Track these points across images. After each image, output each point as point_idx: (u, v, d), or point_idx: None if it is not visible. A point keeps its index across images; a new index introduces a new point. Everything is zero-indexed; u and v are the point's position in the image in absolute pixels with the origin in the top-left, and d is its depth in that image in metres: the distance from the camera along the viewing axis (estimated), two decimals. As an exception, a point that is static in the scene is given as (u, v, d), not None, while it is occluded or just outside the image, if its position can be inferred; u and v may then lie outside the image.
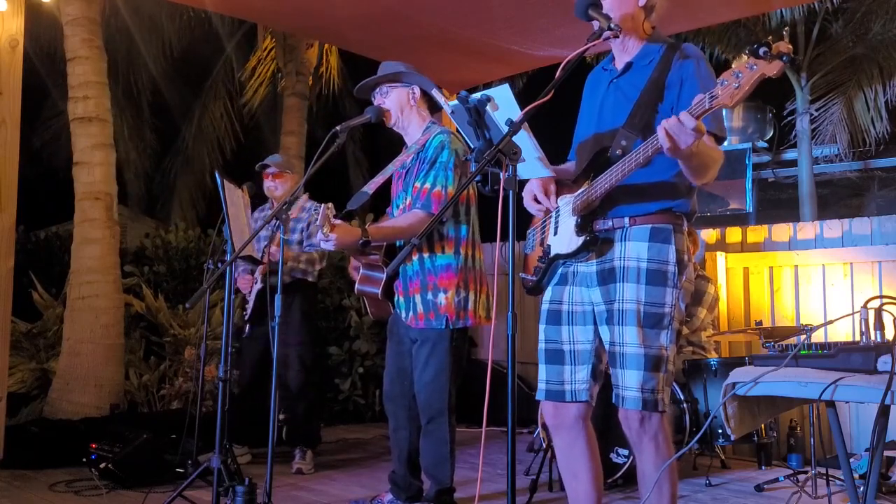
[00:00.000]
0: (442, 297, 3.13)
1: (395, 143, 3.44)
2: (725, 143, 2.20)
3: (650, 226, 2.21)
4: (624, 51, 2.31)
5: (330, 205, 2.89)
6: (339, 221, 2.94)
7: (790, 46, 1.72)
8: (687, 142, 1.90)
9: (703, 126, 1.89)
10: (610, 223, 2.25)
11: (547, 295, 2.39)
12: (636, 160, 2.07)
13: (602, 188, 2.18)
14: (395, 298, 3.27)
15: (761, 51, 1.72)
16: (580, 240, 2.25)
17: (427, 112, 3.35)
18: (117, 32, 8.79)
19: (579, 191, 2.27)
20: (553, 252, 2.34)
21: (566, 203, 2.32)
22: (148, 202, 11.43)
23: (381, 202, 3.53)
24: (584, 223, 2.25)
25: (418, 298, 3.17)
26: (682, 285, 2.22)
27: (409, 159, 3.26)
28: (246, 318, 4.38)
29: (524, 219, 2.44)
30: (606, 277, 2.24)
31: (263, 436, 2.94)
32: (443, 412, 3.14)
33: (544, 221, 2.44)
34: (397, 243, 3.24)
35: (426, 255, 3.18)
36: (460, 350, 3.21)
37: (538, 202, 2.34)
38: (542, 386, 2.34)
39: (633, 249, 2.21)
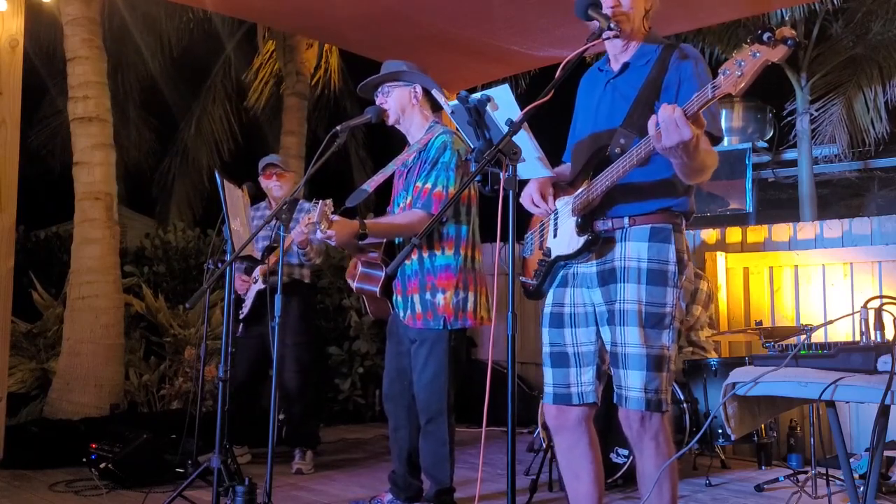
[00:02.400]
0: (440, 298, 3.13)
1: (398, 143, 3.44)
2: (725, 143, 2.19)
3: (650, 226, 2.21)
4: (622, 51, 2.30)
5: (329, 201, 2.89)
6: (336, 217, 2.94)
7: (794, 32, 1.71)
8: (673, 139, 1.87)
9: (701, 120, 1.88)
10: (610, 223, 2.25)
11: (549, 298, 2.38)
12: (636, 156, 2.06)
13: (601, 187, 2.18)
14: (394, 297, 3.26)
15: (765, 36, 1.70)
16: (581, 240, 2.24)
17: (429, 111, 3.34)
18: (115, 32, 8.76)
19: (578, 191, 2.27)
20: (554, 254, 2.34)
21: (565, 204, 2.32)
22: (145, 202, 11.40)
23: (385, 202, 3.53)
24: (585, 223, 2.25)
25: (416, 298, 3.17)
26: (682, 285, 2.22)
27: (410, 158, 3.26)
28: (241, 317, 4.36)
29: (524, 219, 2.44)
30: (607, 278, 2.24)
31: (263, 436, 2.94)
32: (442, 412, 3.14)
33: (542, 224, 2.44)
34: (396, 241, 3.24)
35: (425, 255, 3.17)
36: (458, 351, 3.21)
37: (537, 206, 2.32)
38: (548, 390, 2.34)
39: (633, 249, 2.21)
